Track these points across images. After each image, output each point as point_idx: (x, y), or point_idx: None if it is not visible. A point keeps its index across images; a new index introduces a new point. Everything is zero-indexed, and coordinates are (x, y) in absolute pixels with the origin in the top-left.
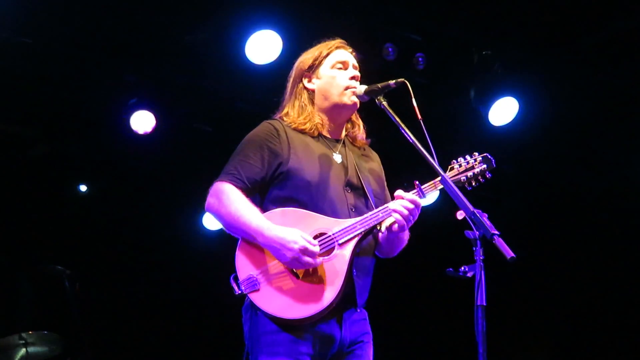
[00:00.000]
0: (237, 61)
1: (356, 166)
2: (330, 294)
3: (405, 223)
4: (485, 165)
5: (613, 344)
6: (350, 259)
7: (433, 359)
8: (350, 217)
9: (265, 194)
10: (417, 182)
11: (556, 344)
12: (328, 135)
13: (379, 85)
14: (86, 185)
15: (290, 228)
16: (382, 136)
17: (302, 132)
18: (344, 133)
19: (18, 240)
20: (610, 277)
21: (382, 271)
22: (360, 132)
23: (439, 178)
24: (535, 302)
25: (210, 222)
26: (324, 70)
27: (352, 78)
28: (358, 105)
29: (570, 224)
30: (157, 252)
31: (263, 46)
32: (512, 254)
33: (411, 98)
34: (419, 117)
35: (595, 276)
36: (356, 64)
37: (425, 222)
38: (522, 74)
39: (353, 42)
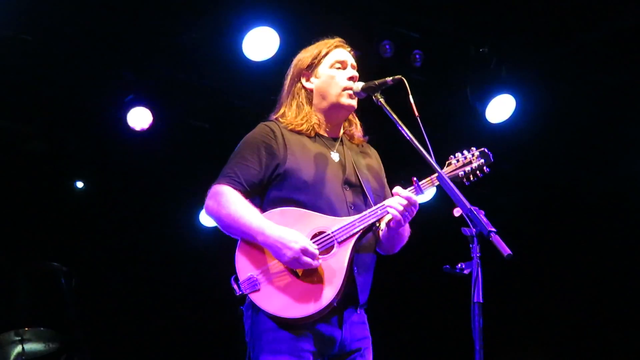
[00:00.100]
0: (234, 58)
1: (354, 164)
2: (330, 292)
3: (402, 219)
4: (483, 160)
5: (610, 341)
6: (350, 257)
7: (430, 356)
8: (349, 215)
9: (263, 195)
10: (414, 179)
11: (553, 341)
12: (325, 134)
13: (376, 82)
14: (83, 182)
15: (291, 229)
16: (379, 133)
17: (299, 132)
18: (341, 131)
19: (14, 237)
20: (608, 274)
21: (378, 268)
22: (357, 129)
23: (436, 175)
24: (531, 299)
25: (206, 219)
26: (323, 69)
27: (350, 78)
28: (356, 107)
29: (568, 222)
30: (153, 248)
31: (260, 43)
32: (509, 251)
33: (408, 95)
34: (416, 114)
35: (592, 273)
36: (355, 64)
37: (422, 219)
38: (520, 71)
39: (350, 39)
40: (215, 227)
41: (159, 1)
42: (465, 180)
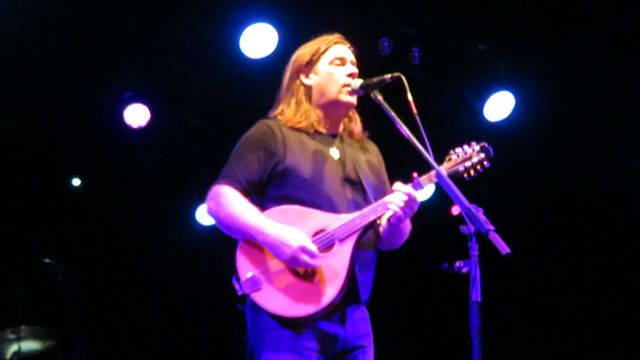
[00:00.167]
0: (232, 55)
1: (354, 160)
2: (331, 290)
3: (402, 215)
4: (483, 155)
5: (609, 340)
6: (351, 255)
7: (427, 355)
8: (349, 212)
9: (263, 194)
10: (414, 175)
11: (552, 340)
12: (325, 131)
13: (375, 79)
14: (79, 179)
15: (291, 227)
16: (377, 130)
17: (298, 130)
18: (341, 128)
19: (11, 234)
20: (607, 273)
21: (376, 266)
22: (357, 126)
23: (435, 172)
24: (530, 298)
25: (203, 217)
26: (322, 66)
27: (350, 75)
28: (355, 104)
29: (567, 220)
30: (150, 246)
31: (258, 40)
32: (508, 250)
33: (406, 92)
34: (414, 111)
35: (591, 272)
36: (354, 60)
37: (420, 217)
38: (519, 69)
39: (348, 36)
40: (213, 225)
41: None
42: (465, 175)
